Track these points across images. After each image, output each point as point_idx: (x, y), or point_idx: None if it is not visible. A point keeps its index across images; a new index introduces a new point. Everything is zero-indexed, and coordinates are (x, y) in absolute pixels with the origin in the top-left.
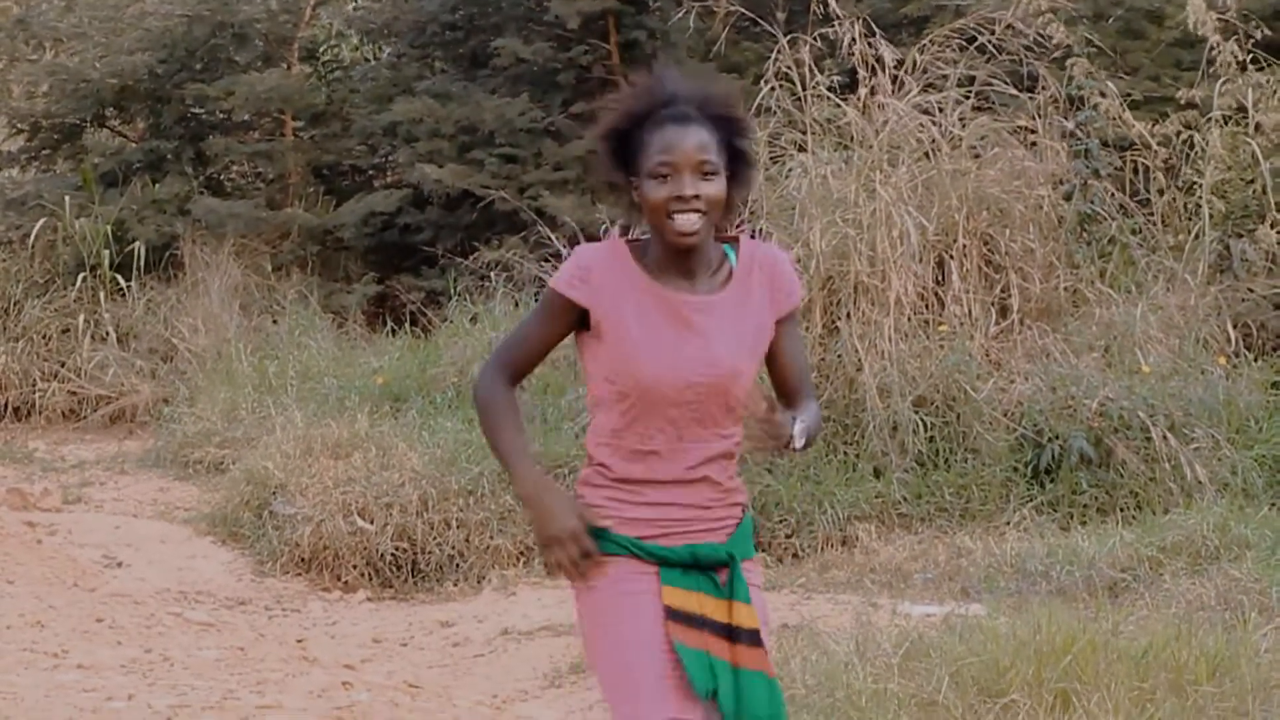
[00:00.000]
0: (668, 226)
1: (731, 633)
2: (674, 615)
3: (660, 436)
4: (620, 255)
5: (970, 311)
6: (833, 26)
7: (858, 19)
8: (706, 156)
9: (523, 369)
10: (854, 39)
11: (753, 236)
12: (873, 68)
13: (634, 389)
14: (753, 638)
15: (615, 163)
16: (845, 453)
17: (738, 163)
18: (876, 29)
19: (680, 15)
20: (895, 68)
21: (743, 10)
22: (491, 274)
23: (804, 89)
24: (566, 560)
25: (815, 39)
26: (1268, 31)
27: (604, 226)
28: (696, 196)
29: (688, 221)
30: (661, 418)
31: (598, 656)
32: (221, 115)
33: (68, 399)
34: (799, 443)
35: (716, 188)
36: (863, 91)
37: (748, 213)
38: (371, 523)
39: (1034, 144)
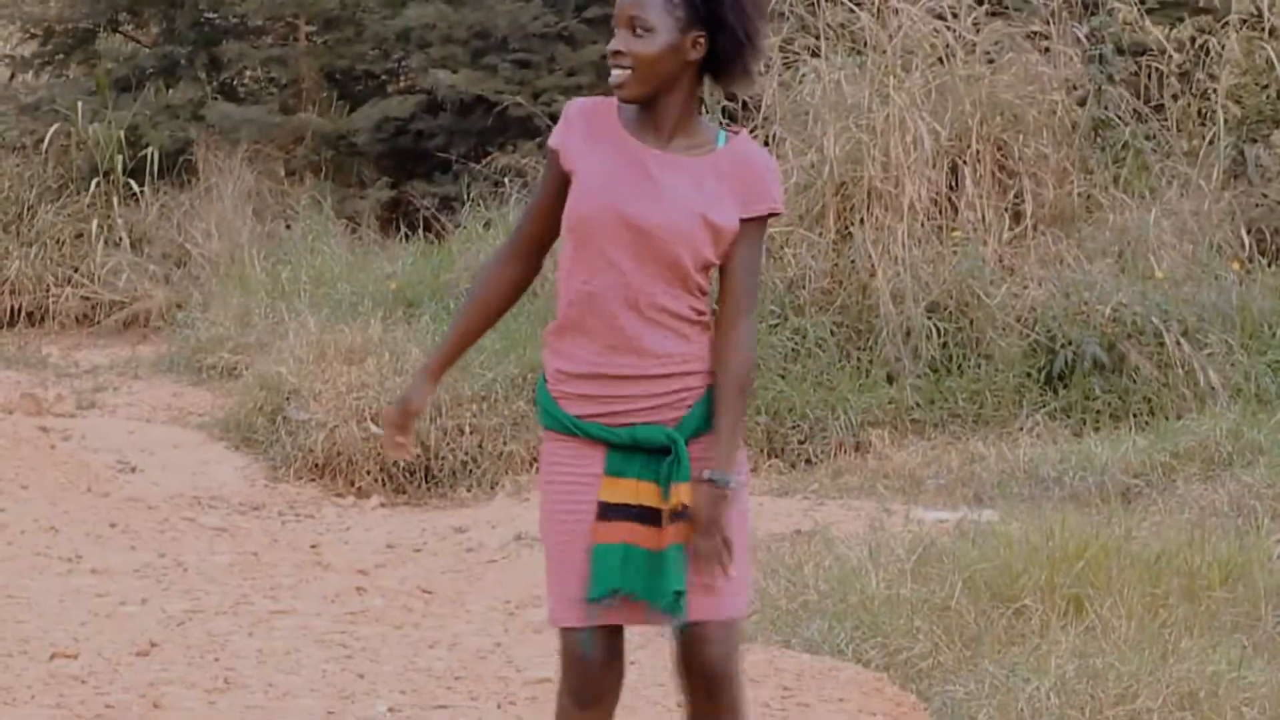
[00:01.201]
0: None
1: (667, 517)
2: (605, 510)
3: (602, 278)
4: (604, 109)
5: (984, 217)
6: None
7: None
8: (637, 12)
9: (524, 234)
10: None
11: (767, 143)
12: None
13: (577, 222)
14: (684, 515)
15: None
16: (858, 358)
17: (715, 19)
18: None
19: None
20: None
21: None
22: (505, 179)
23: None
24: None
25: None
26: None
27: None
28: (619, 52)
29: (614, 75)
30: (603, 256)
31: (544, 535)
32: (235, 20)
33: (81, 304)
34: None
35: (645, 45)
36: None
37: (761, 118)
38: (385, 429)
39: (1048, 49)
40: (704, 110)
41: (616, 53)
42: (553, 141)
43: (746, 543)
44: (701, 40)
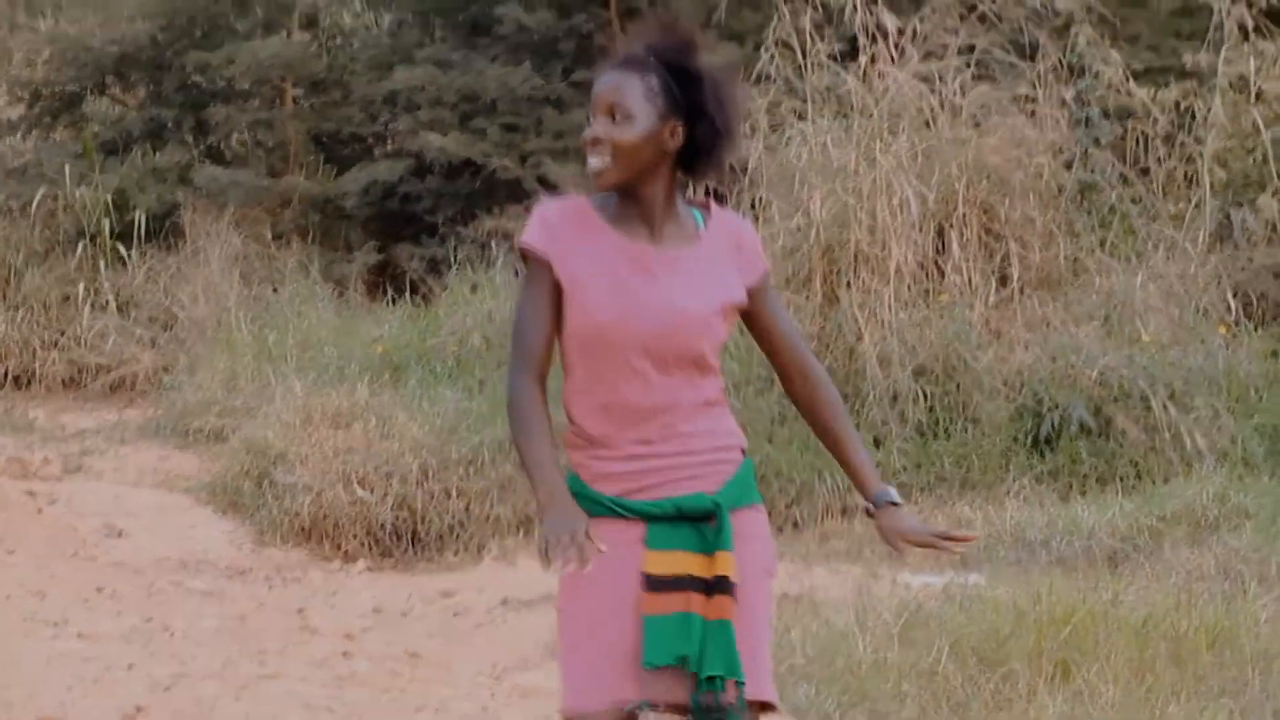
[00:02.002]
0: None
1: (710, 585)
2: (654, 584)
3: (628, 387)
4: (581, 207)
5: (970, 280)
6: None
7: None
8: (616, 100)
9: (537, 354)
10: (855, 6)
11: (753, 206)
12: (873, 36)
13: (594, 336)
14: (723, 586)
15: None
16: None
17: (694, 110)
18: None
19: None
20: (897, 36)
21: None
22: (493, 242)
23: (804, 57)
24: (562, 549)
25: (817, 6)
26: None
27: None
28: (598, 139)
29: (592, 162)
30: (626, 367)
31: (559, 627)
32: (222, 83)
33: (68, 368)
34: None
35: (625, 133)
36: (863, 60)
37: (747, 181)
38: (371, 492)
39: (1034, 113)
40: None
41: (595, 140)
42: (538, 247)
43: (771, 629)
44: (680, 129)
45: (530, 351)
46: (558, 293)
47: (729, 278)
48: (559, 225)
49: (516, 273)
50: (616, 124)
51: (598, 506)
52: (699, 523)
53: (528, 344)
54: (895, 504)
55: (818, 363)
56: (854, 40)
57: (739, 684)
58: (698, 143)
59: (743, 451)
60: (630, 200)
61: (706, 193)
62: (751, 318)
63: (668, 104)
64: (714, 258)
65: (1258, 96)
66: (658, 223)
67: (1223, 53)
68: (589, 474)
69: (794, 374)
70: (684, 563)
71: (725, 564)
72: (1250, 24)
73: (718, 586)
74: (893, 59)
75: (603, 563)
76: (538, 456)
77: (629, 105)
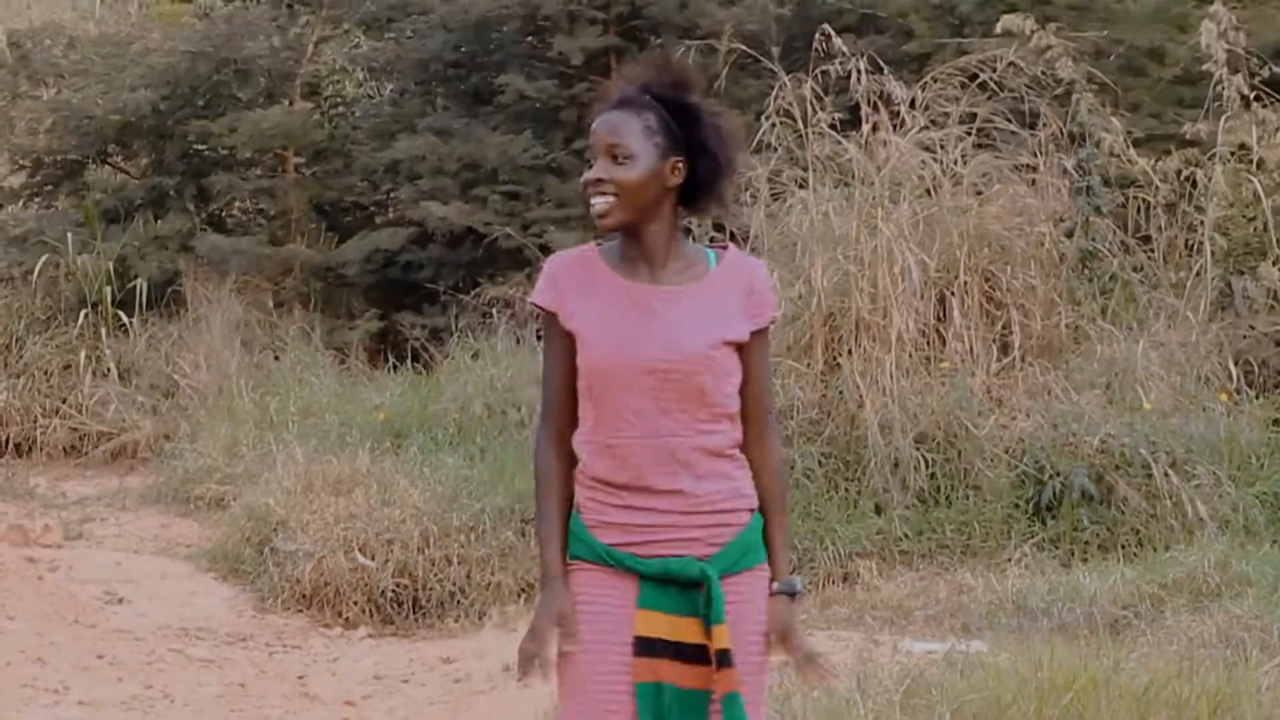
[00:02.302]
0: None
1: (715, 655)
2: (643, 647)
3: (631, 430)
4: (586, 257)
5: (971, 348)
6: (833, 64)
7: (861, 55)
8: (616, 140)
9: (562, 411)
10: (859, 74)
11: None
12: (874, 105)
13: (596, 377)
14: (725, 659)
15: None
16: (846, 489)
17: (694, 145)
18: (881, 64)
19: (681, 52)
20: (900, 105)
21: (744, 48)
22: (494, 310)
23: (805, 126)
24: (529, 656)
25: (817, 76)
26: (1272, 68)
27: None
28: (601, 180)
29: (596, 204)
30: (627, 408)
31: (558, 681)
32: (224, 152)
33: (69, 435)
34: (799, 588)
35: (627, 172)
36: (865, 128)
37: (749, 248)
38: (373, 559)
39: (1035, 181)
40: (692, 237)
41: (598, 180)
42: (544, 303)
43: (766, 696)
44: (681, 165)
45: (551, 406)
46: (570, 343)
47: (732, 315)
48: (562, 277)
49: (518, 340)
50: (618, 164)
51: (593, 554)
52: (688, 588)
53: (548, 398)
54: (791, 595)
55: (776, 433)
56: (855, 109)
57: None
58: (699, 178)
59: (752, 511)
60: (633, 240)
61: (732, 237)
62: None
63: (667, 141)
64: (719, 295)
65: (1258, 165)
66: (660, 260)
67: (1223, 121)
68: (590, 518)
69: (750, 432)
70: (675, 627)
71: (721, 637)
72: (1250, 93)
73: (721, 661)
74: (894, 128)
75: (597, 618)
76: (545, 531)
77: (629, 145)
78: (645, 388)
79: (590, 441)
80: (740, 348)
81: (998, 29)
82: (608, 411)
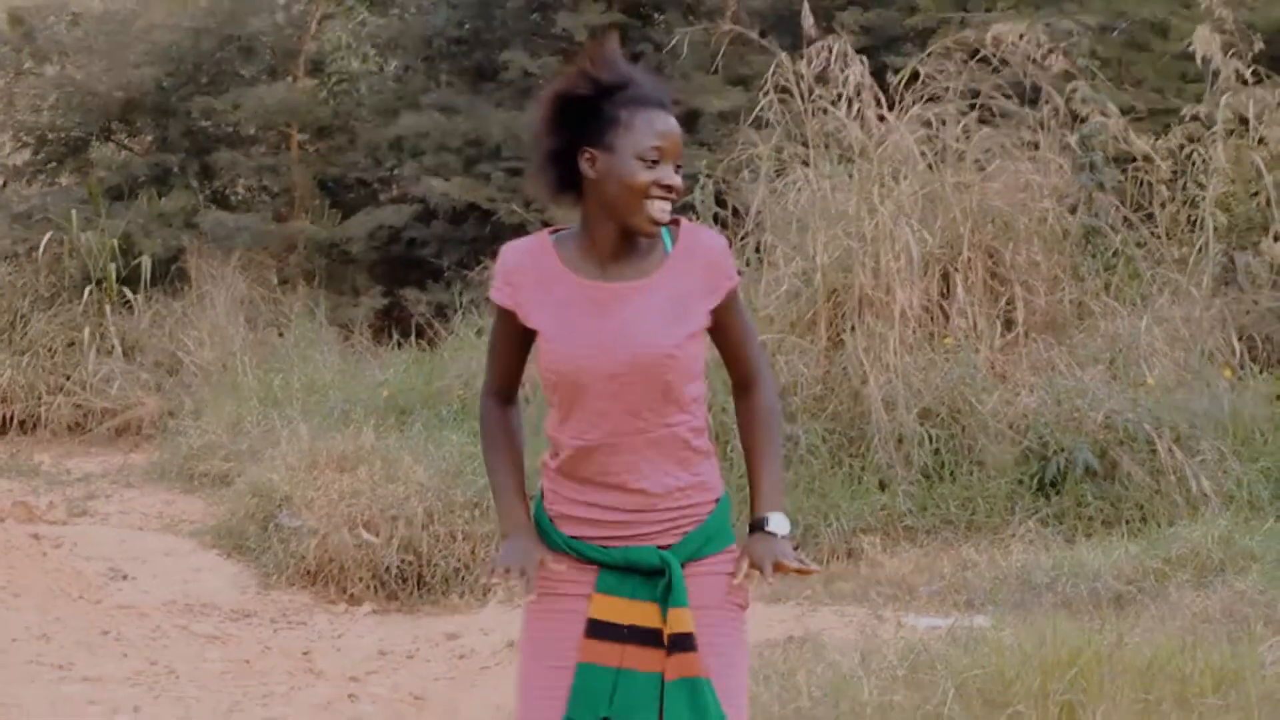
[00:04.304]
0: (641, 210)
1: (665, 640)
2: (595, 629)
3: (595, 431)
4: (543, 251)
5: (975, 324)
6: (830, 41)
7: (858, 30)
8: (678, 150)
9: (507, 384)
10: (846, 55)
11: (758, 250)
12: (871, 83)
13: (560, 380)
14: (684, 643)
15: (562, 130)
16: (850, 465)
17: None
18: (877, 42)
19: (685, 30)
20: (894, 82)
21: (742, 30)
22: None
23: (804, 102)
24: (507, 583)
25: (818, 53)
26: (1265, 46)
27: None
28: (671, 187)
29: (664, 210)
30: (592, 410)
31: (518, 654)
32: (228, 128)
33: (73, 412)
34: (784, 531)
35: (680, 179)
36: (857, 105)
37: (752, 224)
38: (377, 535)
39: (1037, 157)
40: (693, 217)
41: (671, 187)
42: (502, 301)
43: (746, 669)
44: None
45: (495, 377)
46: (524, 334)
47: (692, 305)
48: (518, 273)
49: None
50: (677, 172)
51: (555, 544)
52: (650, 575)
53: (493, 373)
54: (769, 532)
55: (769, 382)
56: (857, 85)
57: None
58: None
59: (716, 500)
60: (586, 236)
61: (735, 213)
62: (714, 331)
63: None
64: (677, 283)
65: (1261, 141)
66: (622, 255)
67: (1222, 99)
68: (553, 510)
69: (740, 386)
70: (630, 611)
71: (682, 621)
72: (1243, 73)
73: (678, 644)
74: (893, 104)
75: (555, 603)
76: (499, 481)
77: (680, 155)
78: (608, 391)
79: (556, 437)
80: (710, 328)
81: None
82: (573, 411)
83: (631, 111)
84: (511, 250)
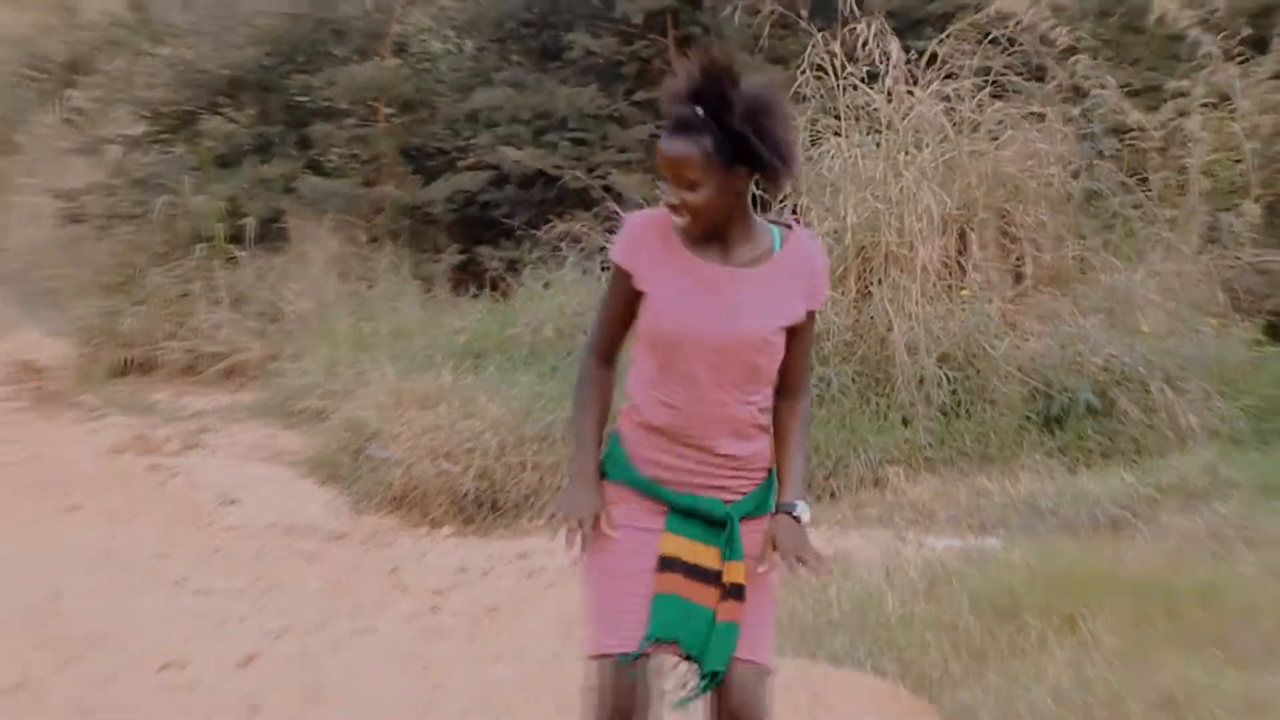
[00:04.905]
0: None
1: (722, 585)
2: (665, 563)
3: (683, 395)
4: (664, 224)
5: (988, 278)
6: (860, 23)
7: (884, 14)
8: (681, 170)
9: (609, 345)
10: (876, 34)
11: (794, 215)
12: (895, 61)
13: (661, 343)
14: (737, 593)
15: None
16: (877, 404)
17: (749, 154)
18: (900, 25)
19: (729, 12)
20: (916, 59)
21: (782, 10)
22: (563, 244)
23: (837, 79)
24: (571, 532)
25: (846, 34)
26: (1251, 30)
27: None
28: (676, 205)
29: (676, 220)
30: (685, 375)
31: (588, 579)
32: (323, 103)
33: (186, 356)
34: (807, 518)
35: (699, 196)
36: (887, 81)
37: (790, 188)
38: (455, 465)
39: (1043, 128)
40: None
41: (674, 204)
42: (622, 261)
43: (774, 605)
44: (744, 171)
45: (603, 339)
46: (635, 297)
47: (791, 300)
48: (641, 241)
49: (584, 271)
50: (689, 188)
51: (633, 482)
52: (713, 525)
53: (603, 334)
54: (795, 517)
55: (808, 398)
56: (886, 60)
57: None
58: (763, 174)
59: (769, 470)
60: (712, 231)
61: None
62: (788, 334)
63: (725, 158)
64: (782, 280)
65: (1246, 115)
66: (732, 244)
67: (1201, 76)
68: (634, 450)
69: (789, 389)
70: (695, 551)
71: (737, 573)
72: (1221, 52)
73: (732, 593)
74: (915, 80)
75: (629, 536)
76: (582, 433)
77: (693, 175)
78: (706, 361)
79: (648, 392)
80: (792, 328)
81: (988, 4)
82: (668, 373)
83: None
84: (639, 219)
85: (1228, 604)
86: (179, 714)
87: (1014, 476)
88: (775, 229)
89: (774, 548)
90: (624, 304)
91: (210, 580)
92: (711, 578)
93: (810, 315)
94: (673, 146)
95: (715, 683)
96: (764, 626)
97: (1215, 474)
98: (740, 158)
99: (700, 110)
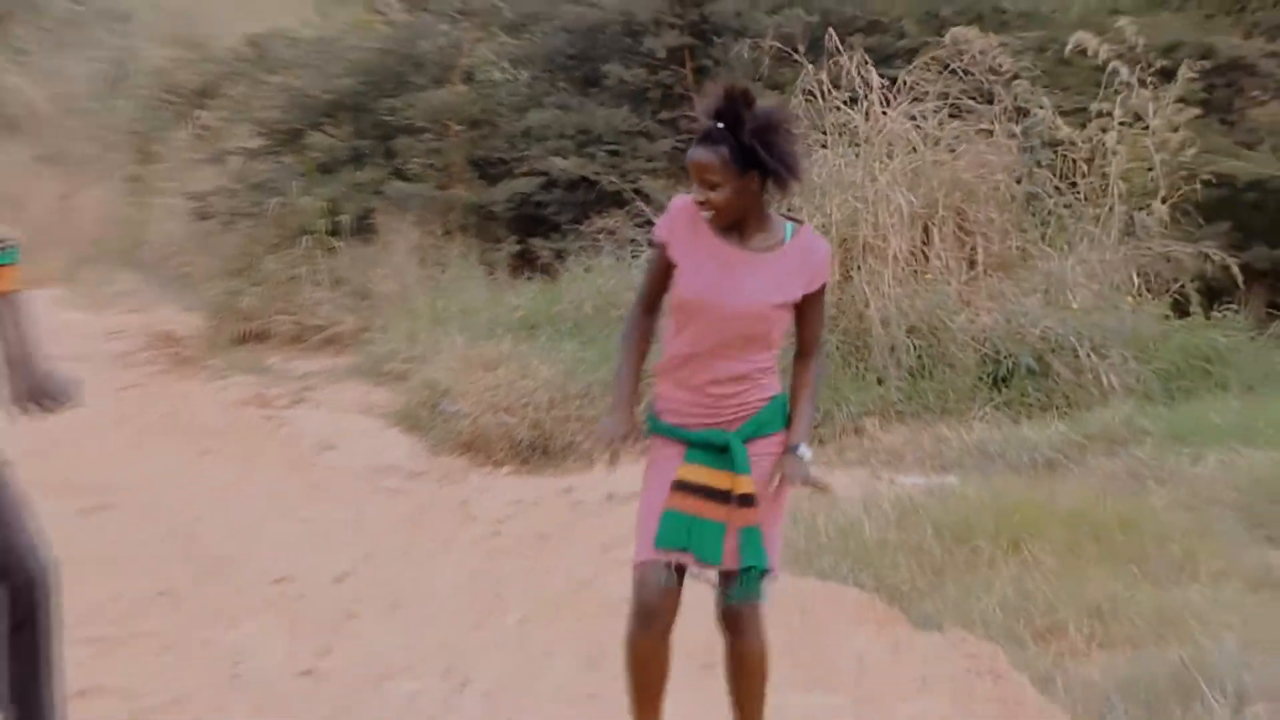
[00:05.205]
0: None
1: (736, 498)
2: (675, 486)
3: (697, 347)
4: (696, 212)
5: (948, 264)
6: (842, 57)
7: (862, 49)
8: (704, 175)
9: (649, 297)
10: (857, 65)
11: (789, 210)
12: (870, 86)
13: (682, 306)
14: (747, 501)
15: None
16: (856, 366)
17: (760, 162)
18: (875, 58)
19: (737, 48)
20: (889, 86)
21: (779, 46)
22: (600, 237)
23: (824, 102)
24: (604, 450)
25: (834, 65)
26: (1163, 63)
27: None
28: (703, 201)
29: (704, 215)
30: (699, 333)
31: (639, 507)
32: (405, 121)
33: (293, 327)
34: (808, 457)
35: (720, 194)
36: (865, 104)
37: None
38: (513, 417)
39: (991, 142)
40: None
41: (701, 201)
42: (661, 235)
43: (784, 515)
44: (756, 177)
45: (646, 295)
46: (669, 267)
47: (792, 283)
48: (679, 220)
49: (617, 259)
50: (711, 189)
51: (660, 429)
52: (723, 453)
53: (646, 291)
54: (798, 456)
55: (819, 357)
56: (865, 86)
57: (765, 571)
58: (773, 179)
59: (767, 400)
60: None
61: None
62: (800, 308)
63: (740, 164)
64: (787, 266)
65: (1151, 131)
66: (748, 233)
67: (1118, 100)
68: (661, 405)
69: (802, 353)
70: (704, 475)
71: (745, 484)
72: (1145, 79)
73: (743, 502)
74: (886, 103)
75: (659, 470)
76: (622, 371)
77: (714, 178)
78: (719, 327)
79: (672, 346)
80: (797, 305)
81: (946, 40)
82: (686, 329)
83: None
84: (679, 204)
85: (1144, 531)
86: (292, 618)
87: (968, 426)
88: (789, 224)
89: (782, 479)
90: (661, 270)
91: (314, 510)
92: (720, 496)
93: (817, 294)
94: (698, 154)
95: (759, 578)
96: (774, 544)
97: (1132, 424)
98: (752, 165)
99: (720, 125)
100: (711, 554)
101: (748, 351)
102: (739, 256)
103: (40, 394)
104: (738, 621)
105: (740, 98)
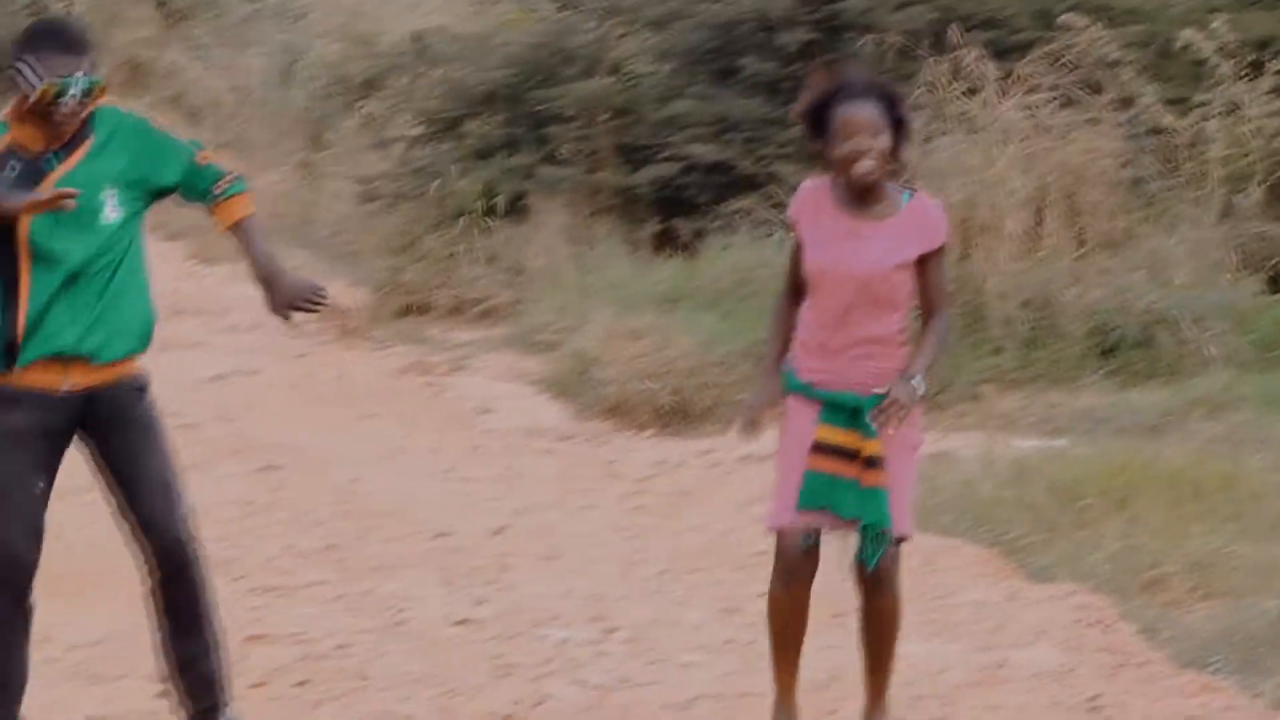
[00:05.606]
0: (851, 171)
1: (864, 459)
2: (815, 447)
3: (828, 315)
4: (822, 189)
5: (1059, 243)
6: (962, 50)
7: (981, 43)
8: (873, 119)
9: (793, 286)
10: (975, 58)
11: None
12: (987, 78)
13: (813, 276)
14: (875, 463)
15: (812, 131)
16: (975, 337)
17: (898, 128)
18: (992, 51)
19: (864, 42)
20: (1005, 78)
21: (903, 41)
22: (737, 217)
23: (945, 93)
24: (744, 420)
25: (954, 59)
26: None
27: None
28: (866, 150)
29: (867, 165)
30: (829, 300)
31: (776, 469)
32: (555, 110)
33: (452, 300)
34: (921, 389)
35: (883, 142)
36: (982, 95)
37: (911, 177)
38: (656, 384)
39: (1099, 130)
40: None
41: (872, 150)
42: (791, 215)
43: (914, 477)
44: (891, 134)
45: (788, 282)
46: (801, 245)
47: (909, 245)
48: (806, 200)
49: (753, 238)
50: (875, 137)
51: (797, 388)
52: (855, 414)
53: (788, 277)
54: (909, 382)
55: (946, 316)
56: (983, 78)
57: (886, 530)
58: (898, 136)
59: (899, 372)
60: (860, 188)
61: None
62: (919, 272)
63: (889, 119)
64: (903, 230)
65: (1248, 120)
66: (869, 201)
67: (1218, 91)
68: (799, 365)
69: (926, 313)
70: (840, 436)
71: (874, 447)
72: (1233, 72)
73: (871, 463)
74: (1004, 93)
75: (796, 428)
76: (766, 353)
77: (879, 123)
78: (846, 291)
79: (807, 315)
80: (918, 265)
81: (1059, 22)
82: (819, 302)
83: (837, 108)
84: (805, 186)
85: (1242, 490)
86: (450, 570)
87: (1078, 393)
88: (906, 193)
89: (889, 400)
90: (799, 256)
91: (471, 470)
92: (852, 455)
93: (936, 254)
94: (860, 109)
95: (877, 537)
96: (904, 502)
97: (1231, 391)
98: (890, 125)
99: (875, 82)
100: (851, 511)
101: (875, 313)
102: (859, 225)
103: (297, 298)
104: (872, 579)
105: (872, 72)
